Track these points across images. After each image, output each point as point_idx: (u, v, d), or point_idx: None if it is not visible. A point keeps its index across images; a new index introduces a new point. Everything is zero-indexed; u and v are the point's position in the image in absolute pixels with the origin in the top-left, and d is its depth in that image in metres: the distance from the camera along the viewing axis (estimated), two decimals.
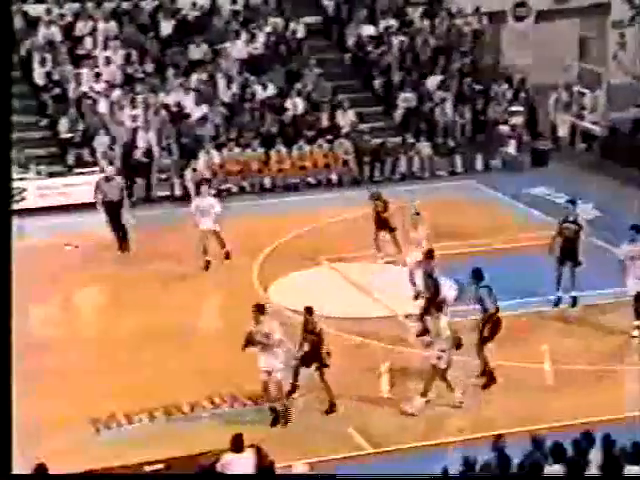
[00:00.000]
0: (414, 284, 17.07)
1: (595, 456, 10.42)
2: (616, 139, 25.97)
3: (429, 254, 16.13)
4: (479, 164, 25.48)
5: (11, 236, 6.50)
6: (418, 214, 17.50)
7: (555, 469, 10.30)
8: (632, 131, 26.09)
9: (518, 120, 25.87)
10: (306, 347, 14.00)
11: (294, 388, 14.18)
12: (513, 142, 25.64)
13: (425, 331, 15.49)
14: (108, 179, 20.04)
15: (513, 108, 26.07)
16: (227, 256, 18.85)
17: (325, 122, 25.29)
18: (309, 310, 14.23)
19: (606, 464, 10.34)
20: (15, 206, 21.91)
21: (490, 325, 14.67)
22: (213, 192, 23.02)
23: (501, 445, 10.77)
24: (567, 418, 13.34)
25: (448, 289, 16.94)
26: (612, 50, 31.48)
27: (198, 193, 20.10)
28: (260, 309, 13.95)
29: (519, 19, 30.92)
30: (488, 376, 14.65)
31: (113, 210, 19.74)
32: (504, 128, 25.78)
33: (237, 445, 11.06)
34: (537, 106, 26.76)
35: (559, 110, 27.00)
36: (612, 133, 26.15)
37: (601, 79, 27.17)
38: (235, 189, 23.76)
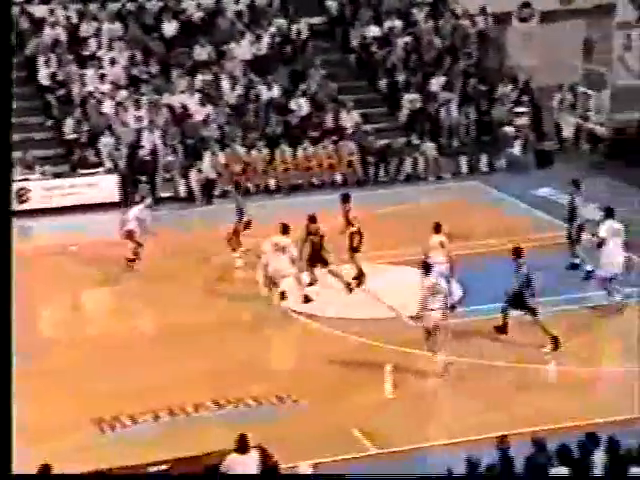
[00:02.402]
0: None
1: (599, 458, 10.39)
2: (621, 140, 25.94)
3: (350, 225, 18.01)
4: (484, 165, 25.46)
5: (11, 236, 6.47)
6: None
7: (560, 471, 10.29)
8: (637, 132, 26.06)
9: (523, 121, 25.86)
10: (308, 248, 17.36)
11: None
12: (518, 143, 25.63)
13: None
14: None
15: (518, 109, 26.06)
16: (131, 265, 18.95)
17: (330, 123, 25.29)
18: (313, 219, 17.49)
19: (611, 466, 10.32)
20: (20, 207, 21.98)
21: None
22: (218, 193, 23.22)
23: (505, 446, 10.76)
24: (571, 419, 13.32)
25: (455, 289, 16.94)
26: (617, 51, 31.45)
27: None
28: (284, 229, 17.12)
29: (524, 20, 30.89)
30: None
31: None
32: (509, 129, 25.77)
33: (242, 446, 11.06)
34: (542, 107, 26.74)
35: (564, 111, 26.98)
36: (617, 134, 26.12)
37: (606, 80, 27.13)
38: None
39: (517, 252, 15.97)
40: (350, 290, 17.76)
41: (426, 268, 15.16)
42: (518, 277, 15.69)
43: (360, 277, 18.14)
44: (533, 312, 15.68)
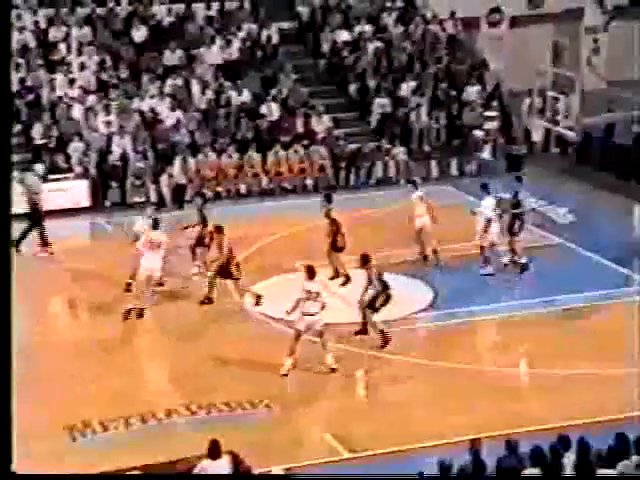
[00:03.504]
0: None
1: (569, 459, 10.45)
2: (589, 144, 26.12)
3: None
4: (454, 169, 25.58)
5: (11, 236, 6.43)
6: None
7: (533, 472, 10.33)
8: (605, 136, 26.26)
9: (493, 125, 25.99)
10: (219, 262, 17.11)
11: (210, 300, 17.30)
12: (488, 147, 25.76)
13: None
14: None
15: (487, 113, 26.19)
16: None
17: (300, 128, 25.31)
18: (219, 229, 17.14)
19: (580, 468, 10.37)
20: None
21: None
22: (188, 198, 23.15)
23: (477, 449, 10.79)
24: (543, 422, 13.39)
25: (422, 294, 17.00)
26: (585, 55, 31.72)
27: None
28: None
29: (493, 25, 31.07)
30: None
31: None
32: (479, 133, 25.89)
33: (214, 451, 11.04)
34: (511, 111, 26.89)
35: (533, 115, 27.15)
36: (585, 138, 26.30)
37: (574, 84, 27.33)
38: (210, 195, 23.71)
39: (364, 260, 15.95)
40: (257, 304, 17.40)
41: (310, 273, 15.17)
42: (372, 285, 15.77)
43: (336, 277, 18.28)
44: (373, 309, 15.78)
